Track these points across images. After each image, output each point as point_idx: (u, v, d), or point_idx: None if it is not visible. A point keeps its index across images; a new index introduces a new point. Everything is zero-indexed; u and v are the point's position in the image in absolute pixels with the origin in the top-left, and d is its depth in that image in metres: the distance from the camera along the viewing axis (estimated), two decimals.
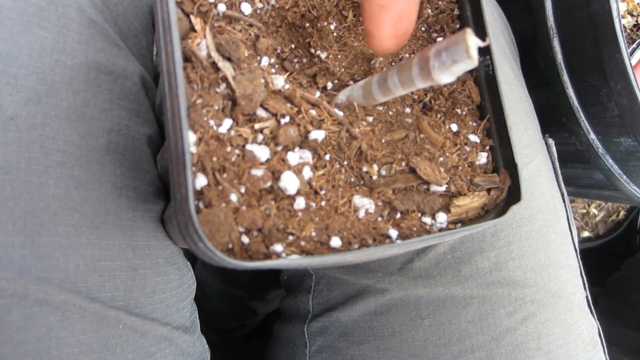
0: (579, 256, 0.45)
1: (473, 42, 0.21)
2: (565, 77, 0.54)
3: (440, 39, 0.34)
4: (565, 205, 0.46)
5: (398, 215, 0.27)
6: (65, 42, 0.29)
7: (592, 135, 0.55)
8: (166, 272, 0.32)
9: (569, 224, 0.45)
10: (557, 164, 0.48)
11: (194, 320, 0.37)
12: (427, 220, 0.28)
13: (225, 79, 0.26)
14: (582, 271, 0.45)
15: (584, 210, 1.05)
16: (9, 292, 0.25)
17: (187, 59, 0.26)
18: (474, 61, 0.21)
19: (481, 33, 0.33)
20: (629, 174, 0.57)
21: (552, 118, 0.57)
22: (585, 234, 1.04)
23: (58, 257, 0.26)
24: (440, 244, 0.39)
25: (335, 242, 0.24)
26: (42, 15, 0.28)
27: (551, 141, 0.48)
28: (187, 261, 0.36)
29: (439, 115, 0.31)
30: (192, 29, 0.27)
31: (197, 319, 0.38)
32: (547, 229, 0.41)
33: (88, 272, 0.27)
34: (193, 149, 0.23)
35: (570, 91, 0.55)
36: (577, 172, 0.65)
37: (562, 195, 0.46)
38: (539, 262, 0.40)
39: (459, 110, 0.32)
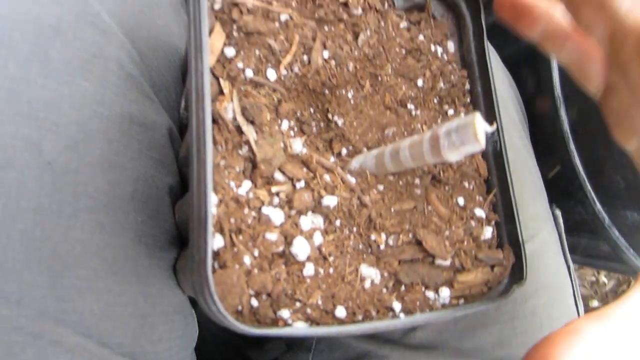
0: None
1: (481, 127, 0.23)
2: (572, 147, 0.55)
3: (451, 111, 0.36)
4: (571, 279, 0.46)
5: (402, 288, 0.28)
6: (105, 94, 0.31)
7: (598, 206, 0.55)
8: (173, 320, 0.33)
9: (575, 298, 0.45)
10: (563, 235, 0.48)
11: None
12: (430, 294, 0.29)
13: (247, 142, 0.28)
14: None
15: (593, 278, 1.04)
16: (27, 330, 0.26)
17: (214, 120, 0.28)
18: (481, 145, 0.23)
19: (490, 109, 0.34)
20: (635, 247, 0.57)
21: (559, 186, 0.58)
22: (595, 303, 1.03)
23: (76, 300, 0.27)
24: None
25: (340, 312, 0.25)
26: (86, 67, 0.30)
27: (558, 212, 0.49)
28: (192, 310, 0.37)
29: (447, 188, 0.33)
30: (221, 92, 0.29)
31: None
32: (552, 305, 0.41)
33: (101, 317, 0.28)
34: (214, 210, 0.25)
35: (577, 161, 0.55)
36: (583, 241, 0.65)
37: (569, 268, 0.46)
38: None
39: (466, 184, 0.33)
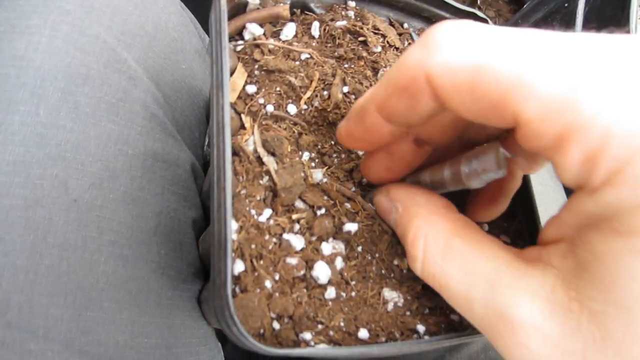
0: None
1: (502, 154, 0.23)
2: None
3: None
4: None
5: (426, 311, 0.28)
6: (129, 134, 0.32)
7: None
8: (198, 352, 0.33)
9: None
10: None
11: None
12: (455, 317, 0.28)
13: (268, 172, 0.28)
14: None
15: None
16: None
17: (235, 153, 0.28)
18: (503, 172, 0.23)
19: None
20: None
21: None
22: None
23: (100, 332, 0.28)
24: (473, 343, 0.38)
25: (363, 333, 0.25)
26: (112, 110, 0.32)
27: None
28: (218, 342, 0.37)
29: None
30: (242, 127, 0.30)
31: None
32: None
33: (126, 349, 0.28)
34: (234, 236, 0.25)
35: None
36: None
37: None
38: None
39: None
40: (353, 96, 0.33)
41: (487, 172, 0.23)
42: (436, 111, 0.21)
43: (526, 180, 0.32)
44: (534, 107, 0.17)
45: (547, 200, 0.45)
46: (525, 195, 0.32)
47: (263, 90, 0.31)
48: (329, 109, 0.33)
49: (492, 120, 0.19)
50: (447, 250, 0.22)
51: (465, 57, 0.19)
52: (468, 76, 0.19)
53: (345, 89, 0.33)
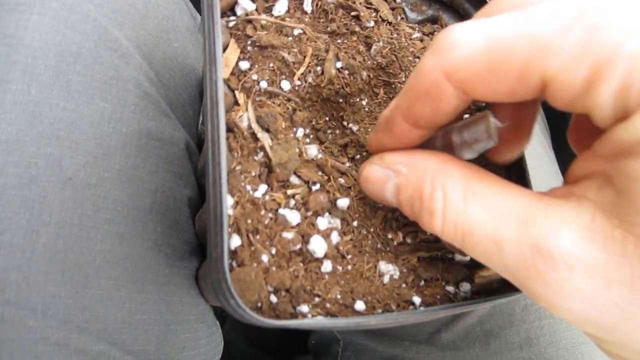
0: None
1: (493, 123, 0.23)
2: None
3: (466, 115, 0.36)
4: None
5: (422, 283, 0.28)
6: (123, 112, 0.32)
7: None
8: (196, 329, 0.33)
9: None
10: None
11: None
12: (450, 289, 0.28)
13: (263, 148, 0.28)
14: None
15: None
16: (52, 340, 0.26)
17: (229, 129, 0.28)
18: (494, 141, 0.23)
19: None
20: None
21: None
22: None
23: (99, 309, 0.28)
24: (468, 316, 0.39)
25: (360, 305, 0.25)
26: (104, 88, 0.32)
27: None
28: (216, 320, 0.37)
29: None
30: (236, 103, 0.30)
31: None
32: None
33: (124, 325, 0.29)
34: (230, 212, 0.25)
35: None
36: None
37: None
38: (571, 340, 0.39)
39: None
40: (346, 71, 0.33)
41: (478, 143, 0.23)
42: (461, 107, 0.22)
43: (522, 158, 0.32)
44: (555, 60, 0.17)
45: (542, 176, 0.45)
46: (519, 170, 0.32)
47: (256, 66, 0.31)
48: (322, 85, 0.33)
49: (520, 93, 0.19)
50: (469, 195, 0.21)
51: (476, 45, 0.19)
52: (485, 60, 0.19)
53: (339, 65, 0.33)
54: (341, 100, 0.34)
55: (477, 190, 0.21)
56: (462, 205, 0.21)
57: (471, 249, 0.22)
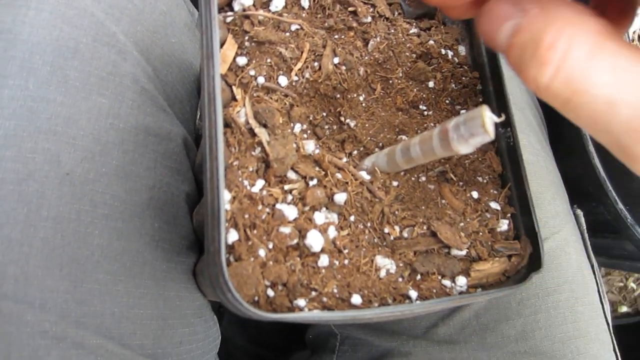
0: (613, 331, 0.44)
1: (489, 117, 0.23)
2: (591, 147, 0.55)
3: (463, 111, 0.36)
4: (595, 277, 0.45)
5: (418, 277, 0.28)
6: (120, 108, 0.32)
7: (620, 205, 0.55)
8: (194, 323, 0.33)
9: (600, 296, 0.44)
10: (586, 235, 0.47)
11: None
12: (447, 283, 0.28)
13: (260, 143, 0.28)
14: (616, 347, 0.44)
15: (622, 284, 1.01)
16: (50, 334, 0.26)
17: (227, 124, 0.28)
18: (490, 135, 0.23)
19: (503, 107, 0.34)
20: None
21: (580, 188, 0.57)
22: (624, 309, 1.00)
23: (96, 303, 0.28)
24: (464, 310, 0.39)
25: (356, 299, 0.25)
26: (102, 84, 0.32)
27: (580, 212, 0.48)
28: (214, 315, 0.37)
29: (460, 183, 0.33)
30: (234, 98, 0.30)
31: None
32: (575, 300, 0.40)
33: (122, 319, 0.29)
34: (227, 206, 0.25)
35: (596, 161, 0.55)
36: (608, 242, 0.64)
37: (592, 266, 0.46)
38: (567, 334, 0.39)
39: (480, 179, 0.33)
40: (344, 67, 0.33)
41: (474, 137, 0.23)
42: None
43: (516, 150, 0.33)
44: None
45: (537, 170, 0.45)
46: (515, 164, 0.33)
47: (254, 62, 0.31)
48: (320, 80, 0.33)
49: None
50: (597, 52, 0.20)
51: None
52: None
53: (336, 60, 0.33)
54: (338, 95, 0.34)
55: (609, 49, 0.20)
56: (586, 62, 0.20)
57: (576, 108, 0.21)
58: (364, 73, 0.34)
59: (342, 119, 0.33)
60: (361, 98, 0.34)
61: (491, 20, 0.24)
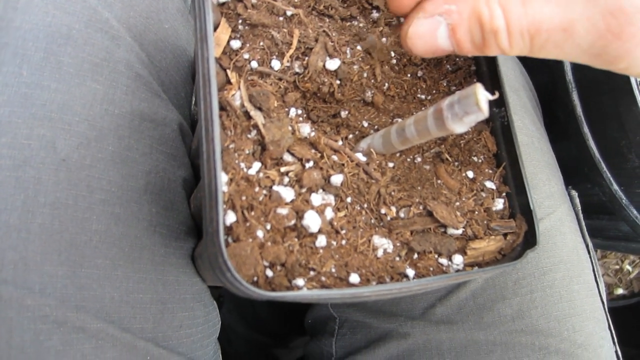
0: (608, 309, 0.45)
1: (482, 95, 0.23)
2: (585, 129, 0.55)
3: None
4: (590, 257, 0.45)
5: (415, 256, 0.29)
6: (115, 94, 0.32)
7: (615, 187, 0.55)
8: (193, 308, 0.34)
9: (595, 276, 0.45)
10: (581, 215, 0.48)
11: (216, 359, 0.38)
12: (443, 261, 0.29)
13: (256, 126, 0.28)
14: (611, 325, 0.44)
15: (617, 267, 1.02)
16: (51, 318, 0.27)
17: (222, 108, 0.28)
18: (484, 113, 0.23)
19: (497, 87, 0.34)
20: None
21: (575, 170, 0.58)
22: (620, 291, 1.01)
23: (96, 288, 0.28)
24: (461, 290, 0.39)
25: (354, 278, 0.26)
26: (96, 70, 0.32)
27: (574, 193, 0.49)
28: (213, 300, 0.38)
29: (456, 163, 0.33)
30: (228, 82, 0.30)
31: (220, 358, 0.39)
32: (570, 279, 0.41)
33: (121, 304, 0.29)
34: (225, 188, 0.25)
35: (591, 143, 0.55)
36: (603, 223, 0.64)
37: (587, 246, 0.46)
38: (562, 312, 0.39)
39: (475, 158, 0.33)
40: (338, 80, 0.32)
41: (469, 115, 0.23)
42: None
43: (510, 130, 0.33)
44: None
45: (532, 151, 0.45)
46: (509, 143, 0.33)
47: (247, 45, 0.31)
48: (306, 78, 0.32)
49: None
50: None
51: None
52: None
53: (330, 66, 0.31)
54: (329, 97, 0.33)
55: None
56: (523, 8, 0.22)
57: (541, 48, 0.22)
58: (358, 64, 0.34)
59: (335, 112, 0.33)
60: (357, 99, 0.34)
61: (422, 39, 0.26)
